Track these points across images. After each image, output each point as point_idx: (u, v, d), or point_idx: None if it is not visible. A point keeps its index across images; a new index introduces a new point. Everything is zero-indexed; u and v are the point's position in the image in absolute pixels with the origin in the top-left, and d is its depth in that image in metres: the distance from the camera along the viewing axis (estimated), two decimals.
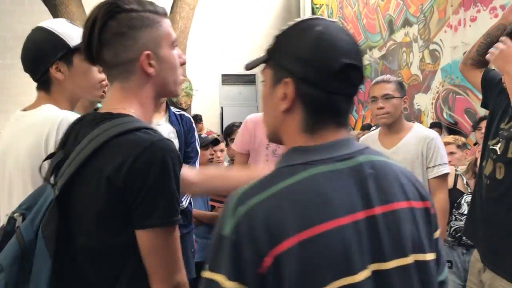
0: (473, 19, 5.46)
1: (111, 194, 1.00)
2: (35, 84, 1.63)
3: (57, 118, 1.47)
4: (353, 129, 7.94)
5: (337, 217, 0.80)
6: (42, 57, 1.54)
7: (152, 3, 1.12)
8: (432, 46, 6.21)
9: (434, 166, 2.51)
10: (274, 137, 0.92)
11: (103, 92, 1.75)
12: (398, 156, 2.54)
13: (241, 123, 3.53)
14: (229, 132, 3.85)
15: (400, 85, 2.62)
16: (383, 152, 2.64)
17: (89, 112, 1.18)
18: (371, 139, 2.75)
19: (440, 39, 6.04)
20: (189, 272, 2.24)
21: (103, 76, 1.62)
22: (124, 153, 1.00)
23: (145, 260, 1.03)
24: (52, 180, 1.10)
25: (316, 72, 0.84)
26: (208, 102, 9.38)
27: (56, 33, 1.55)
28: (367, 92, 7.75)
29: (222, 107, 9.72)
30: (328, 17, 8.89)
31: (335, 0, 8.72)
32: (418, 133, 2.58)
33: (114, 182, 0.99)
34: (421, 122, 5.76)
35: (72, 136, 1.13)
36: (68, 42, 1.54)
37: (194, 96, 6.38)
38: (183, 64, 1.19)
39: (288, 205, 0.79)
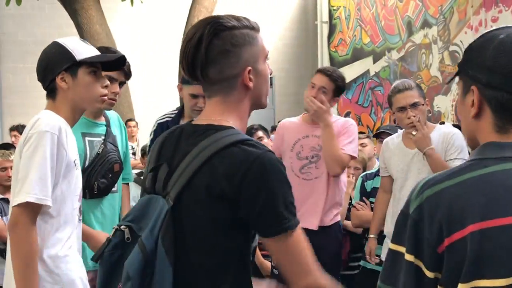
0: (495, 20, 5.38)
1: (221, 205, 1.07)
2: None
3: (34, 118, 1.66)
4: (371, 132, 7.88)
5: None
6: (51, 67, 1.72)
7: (247, 19, 1.19)
8: (452, 48, 6.13)
9: (455, 160, 2.49)
10: (472, 143, 0.95)
11: (111, 102, 2.00)
12: (421, 155, 2.53)
13: (259, 125, 3.54)
14: (248, 135, 3.83)
15: (420, 89, 2.62)
16: (407, 153, 2.65)
17: (186, 123, 1.25)
18: (393, 143, 2.74)
19: (460, 40, 5.96)
20: None
21: (104, 91, 1.80)
22: (234, 165, 1.07)
23: (281, 265, 1.12)
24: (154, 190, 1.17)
25: (499, 77, 0.87)
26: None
27: (66, 47, 1.73)
28: (385, 94, 7.68)
29: None
30: (346, 19, 8.85)
31: (352, 1, 8.67)
32: (440, 131, 2.59)
33: (225, 193, 1.06)
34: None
35: (169, 148, 1.19)
36: (75, 56, 1.71)
37: None
38: (271, 74, 1.28)
39: (474, 194, 0.82)
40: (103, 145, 2.19)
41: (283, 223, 1.07)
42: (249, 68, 1.16)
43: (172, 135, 1.22)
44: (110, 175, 2.21)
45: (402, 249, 0.86)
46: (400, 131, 2.82)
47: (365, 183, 3.23)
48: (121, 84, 2.25)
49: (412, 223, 0.85)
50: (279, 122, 2.85)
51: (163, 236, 1.06)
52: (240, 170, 1.06)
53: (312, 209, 2.72)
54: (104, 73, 1.86)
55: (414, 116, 2.51)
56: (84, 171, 2.06)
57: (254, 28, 1.19)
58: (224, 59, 1.14)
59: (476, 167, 0.86)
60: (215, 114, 1.17)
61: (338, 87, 2.64)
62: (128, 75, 2.27)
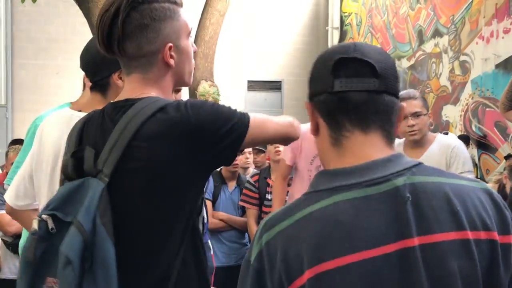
0: (507, 31, 5.38)
1: (165, 167, 1.03)
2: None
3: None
4: None
5: (360, 249, 0.72)
6: (109, 63, 1.63)
7: None
8: (462, 58, 6.12)
9: (461, 174, 2.49)
10: (324, 166, 0.88)
11: None
12: None
13: None
14: None
15: (424, 100, 2.66)
16: None
17: (103, 107, 1.18)
18: (396, 149, 2.73)
19: (471, 51, 5.96)
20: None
21: None
22: (170, 123, 1.03)
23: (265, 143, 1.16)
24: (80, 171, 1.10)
25: (318, 81, 0.84)
26: (234, 108, 9.42)
27: None
28: None
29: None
30: (357, 25, 8.87)
31: (364, 9, 8.69)
32: (441, 142, 2.61)
33: (169, 151, 1.03)
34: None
35: (90, 131, 1.14)
36: None
37: (220, 101, 6.43)
38: (195, 52, 1.22)
39: (304, 236, 0.74)
40: None
41: (240, 128, 1.09)
42: (170, 44, 1.10)
43: (92, 119, 1.16)
44: None
45: None
46: (400, 140, 2.83)
47: None
48: None
49: (254, 273, 0.77)
50: None
51: (102, 214, 1.01)
52: (178, 124, 1.03)
53: None
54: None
55: (414, 125, 2.53)
56: None
57: (176, 3, 1.13)
58: (143, 33, 1.07)
59: (309, 202, 0.78)
60: (134, 91, 1.12)
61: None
62: None
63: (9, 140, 7.53)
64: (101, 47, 1.12)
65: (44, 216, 1.05)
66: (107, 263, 0.99)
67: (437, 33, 6.69)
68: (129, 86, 1.14)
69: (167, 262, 1.06)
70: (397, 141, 2.80)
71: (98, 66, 1.68)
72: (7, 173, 3.78)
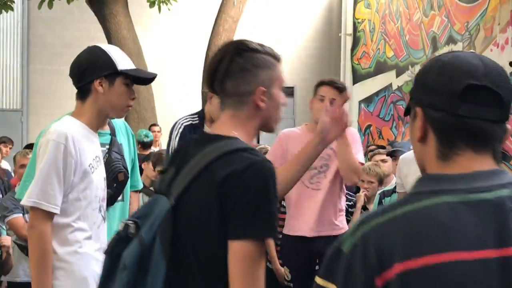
0: None
1: (219, 201, 1.15)
2: None
3: (47, 127, 1.77)
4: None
5: (456, 250, 0.75)
6: (92, 69, 1.80)
7: (271, 48, 1.32)
8: None
9: None
10: (422, 170, 0.92)
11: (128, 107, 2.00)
12: None
13: None
14: None
15: None
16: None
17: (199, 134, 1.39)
18: (412, 157, 2.72)
19: None
20: None
21: (131, 102, 1.92)
22: (229, 170, 1.15)
23: (229, 271, 1.14)
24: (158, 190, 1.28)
25: (440, 97, 0.84)
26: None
27: (110, 55, 1.83)
28: None
29: None
30: (370, 32, 8.84)
31: (377, 15, 8.67)
32: None
33: (221, 189, 1.14)
34: None
35: (181, 153, 1.31)
36: (117, 65, 1.81)
37: None
38: (284, 105, 1.36)
39: (401, 231, 0.78)
40: (107, 155, 2.19)
41: (253, 228, 1.13)
42: (263, 89, 1.25)
43: (187, 142, 1.34)
44: (115, 184, 2.22)
45: (332, 286, 0.81)
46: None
47: (383, 200, 3.25)
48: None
49: (346, 261, 0.81)
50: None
51: (162, 232, 1.14)
52: (235, 173, 1.14)
53: (324, 217, 2.75)
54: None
55: None
56: None
57: (276, 57, 1.31)
58: (242, 75, 1.25)
59: (409, 201, 0.82)
60: (224, 127, 1.27)
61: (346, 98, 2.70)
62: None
63: (24, 144, 7.63)
64: (206, 85, 1.38)
65: (129, 222, 1.21)
66: (156, 276, 1.13)
67: (451, 40, 6.65)
68: (220, 121, 1.32)
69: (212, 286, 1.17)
70: (411, 151, 2.80)
71: (82, 72, 1.81)
72: (18, 177, 3.83)
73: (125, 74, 1.82)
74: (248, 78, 1.25)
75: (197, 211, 1.17)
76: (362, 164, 2.78)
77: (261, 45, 1.30)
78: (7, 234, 3.38)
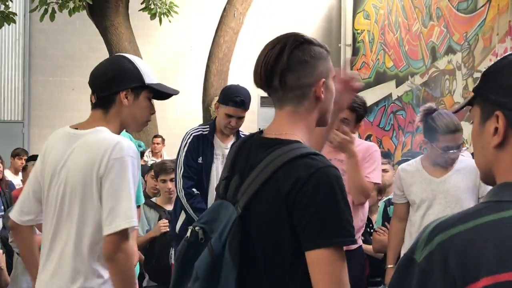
0: None
1: (285, 216, 1.13)
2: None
3: (112, 141, 1.63)
4: (393, 156, 7.83)
5: None
6: (119, 80, 1.72)
7: (319, 42, 1.29)
8: (476, 75, 6.11)
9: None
10: (487, 178, 0.87)
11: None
12: (449, 184, 2.52)
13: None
14: None
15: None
16: (432, 182, 2.59)
17: (256, 134, 1.33)
18: (413, 169, 2.71)
19: (485, 68, 5.93)
20: None
21: (150, 117, 1.85)
22: (295, 177, 1.13)
23: (313, 283, 1.12)
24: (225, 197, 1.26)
25: None
26: (247, 124, 9.48)
27: (138, 67, 1.75)
28: (407, 118, 7.66)
29: (260, 129, 9.80)
30: (370, 42, 8.90)
31: (376, 26, 8.73)
32: (467, 161, 2.59)
33: (288, 199, 1.13)
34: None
35: (241, 158, 1.28)
36: (145, 79, 1.74)
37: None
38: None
39: (489, 241, 0.74)
40: None
41: (326, 237, 1.10)
42: (323, 80, 1.25)
43: (245, 145, 1.30)
44: None
45: None
46: (416, 158, 2.80)
47: (388, 208, 3.23)
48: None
49: (421, 272, 0.76)
50: None
51: (230, 242, 1.13)
52: (300, 181, 1.12)
53: None
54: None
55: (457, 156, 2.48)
56: None
57: (327, 50, 1.30)
58: (303, 68, 1.23)
59: (491, 210, 0.77)
60: (283, 126, 1.25)
61: (360, 115, 2.63)
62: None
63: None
64: (260, 79, 1.26)
65: (196, 228, 1.22)
66: (228, 286, 1.12)
67: (450, 50, 6.69)
68: (279, 119, 1.27)
69: None
70: (415, 161, 2.78)
71: (108, 81, 1.72)
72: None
73: (150, 88, 1.76)
74: (308, 70, 1.23)
75: (266, 221, 1.16)
76: (378, 183, 2.71)
77: (314, 39, 1.28)
78: (9, 245, 3.38)
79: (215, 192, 1.41)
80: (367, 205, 2.83)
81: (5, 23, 5.71)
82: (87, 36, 8.35)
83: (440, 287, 0.74)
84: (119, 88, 1.71)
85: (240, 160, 1.27)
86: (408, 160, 3.37)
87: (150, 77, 1.76)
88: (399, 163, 3.67)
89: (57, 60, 9.12)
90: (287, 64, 1.22)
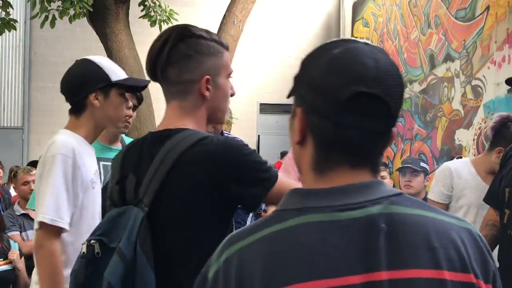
0: None
1: (207, 198, 1.10)
2: None
3: (51, 141, 1.70)
4: (392, 163, 7.85)
5: (321, 277, 0.66)
6: (86, 84, 1.75)
7: (218, 36, 1.23)
8: (474, 82, 6.13)
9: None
10: (299, 171, 0.82)
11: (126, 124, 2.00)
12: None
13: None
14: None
15: None
16: (483, 187, 2.47)
17: (142, 138, 1.26)
18: (467, 172, 2.65)
19: (483, 75, 5.96)
20: None
21: (129, 112, 1.88)
22: (203, 158, 1.10)
23: None
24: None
25: (323, 101, 0.72)
26: (246, 131, 9.50)
27: (102, 67, 1.77)
28: (406, 125, 7.68)
29: (259, 136, 9.80)
30: None
31: (375, 33, 8.77)
32: None
33: (202, 186, 1.09)
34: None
35: (131, 159, 1.21)
36: (110, 77, 1.76)
37: (233, 124, 6.48)
38: (233, 95, 1.28)
39: (261, 257, 0.68)
40: None
41: (267, 185, 1.13)
42: (208, 77, 1.19)
43: (134, 147, 1.24)
44: None
45: None
46: (465, 159, 2.76)
47: None
48: (134, 108, 2.32)
49: None
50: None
51: (142, 243, 1.07)
52: (213, 158, 1.10)
53: None
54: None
55: None
56: None
57: (222, 45, 1.22)
58: (185, 62, 1.17)
59: (274, 221, 0.72)
60: (172, 119, 1.20)
61: None
62: (140, 99, 2.35)
63: (25, 161, 7.63)
64: (147, 72, 1.23)
65: (92, 241, 1.13)
66: None
67: (448, 58, 6.71)
68: (167, 114, 1.23)
69: None
70: (465, 164, 2.69)
71: (76, 87, 1.76)
72: (19, 194, 3.83)
73: (119, 84, 1.77)
74: (191, 65, 1.17)
75: (178, 211, 1.10)
76: None
77: (208, 32, 1.21)
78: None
79: None
80: None
81: (5, 30, 5.72)
82: (87, 43, 8.37)
83: None
84: (87, 92, 1.74)
85: (131, 161, 1.20)
86: (409, 166, 3.37)
87: (117, 73, 1.78)
88: (399, 169, 3.68)
89: (57, 66, 9.12)
90: (167, 57, 1.16)
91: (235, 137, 1.17)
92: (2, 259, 3.14)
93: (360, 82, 0.71)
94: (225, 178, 1.10)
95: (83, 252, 1.14)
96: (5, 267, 3.11)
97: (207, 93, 1.19)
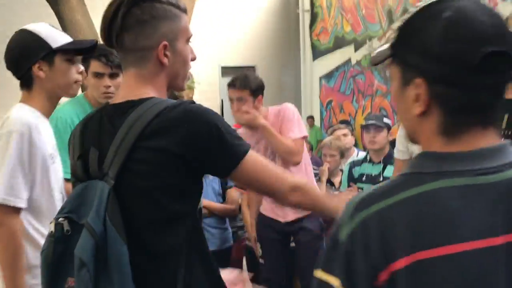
0: None
1: (174, 166, 1.07)
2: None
3: (4, 117, 1.63)
4: (354, 119, 7.98)
5: (465, 240, 0.68)
6: (26, 56, 1.66)
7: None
8: None
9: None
10: (413, 139, 0.81)
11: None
12: None
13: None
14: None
15: None
16: None
17: (104, 106, 1.21)
18: None
19: None
20: None
21: (79, 76, 1.76)
22: (169, 125, 1.07)
23: (255, 189, 1.17)
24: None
25: (452, 69, 0.71)
26: (208, 95, 9.41)
27: (40, 35, 1.67)
28: (367, 82, 7.78)
29: (222, 100, 9.74)
30: (327, 7, 8.89)
31: None
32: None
33: (168, 154, 1.06)
34: None
35: (91, 133, 1.16)
36: (51, 44, 1.67)
37: (195, 89, 6.40)
38: (193, 60, 1.23)
39: (405, 220, 0.70)
40: None
41: (238, 152, 1.10)
42: (165, 43, 1.13)
43: (92, 120, 1.18)
44: None
45: (333, 280, 0.71)
46: None
47: (353, 170, 3.32)
48: (113, 75, 2.22)
49: (344, 252, 0.71)
50: None
51: (111, 216, 1.03)
52: (178, 126, 1.06)
53: None
54: (92, 70, 2.02)
55: None
56: None
57: (180, 8, 1.17)
58: (140, 28, 1.12)
59: (411, 184, 0.72)
60: (131, 89, 1.14)
61: (252, 90, 2.65)
62: (113, 63, 2.23)
63: None
64: (102, 38, 1.16)
65: (60, 219, 1.09)
66: (121, 262, 1.02)
67: (406, 12, 6.77)
68: (126, 84, 1.17)
69: (174, 261, 1.09)
70: None
71: (16, 62, 1.68)
72: None
73: (62, 50, 1.68)
74: (147, 31, 1.12)
75: (144, 182, 1.07)
76: (304, 136, 2.74)
77: None
78: None
79: None
80: (310, 168, 2.89)
81: None
82: (36, 9, 7.98)
83: (363, 267, 0.70)
84: (29, 64, 1.66)
85: (92, 135, 1.15)
86: (373, 123, 3.44)
87: (57, 39, 1.68)
88: (363, 127, 3.74)
89: (4, 35, 8.71)
90: (122, 23, 1.11)
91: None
92: None
93: (487, 42, 0.70)
94: (189, 147, 1.07)
95: (51, 231, 1.10)
96: None
97: (165, 60, 1.14)
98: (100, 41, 2.30)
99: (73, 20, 5.35)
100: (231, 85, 2.68)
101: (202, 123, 1.08)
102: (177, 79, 1.20)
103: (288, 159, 2.67)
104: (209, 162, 1.10)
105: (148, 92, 1.14)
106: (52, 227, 1.10)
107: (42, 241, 1.61)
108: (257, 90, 2.68)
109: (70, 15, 5.33)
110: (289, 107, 2.77)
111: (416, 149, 2.72)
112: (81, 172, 1.13)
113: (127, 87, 1.17)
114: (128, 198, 1.07)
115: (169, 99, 1.14)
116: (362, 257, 0.70)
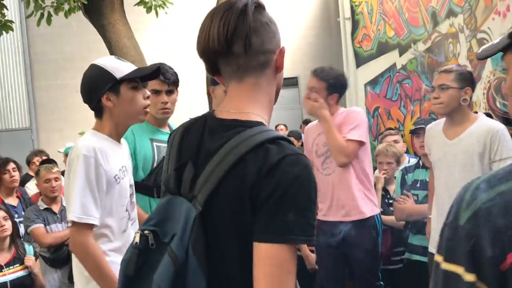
0: None
1: (251, 206, 0.99)
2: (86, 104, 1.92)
3: (74, 144, 1.84)
4: (402, 126, 7.79)
5: None
6: (95, 89, 1.84)
7: None
8: (479, 35, 6.01)
9: (500, 160, 2.41)
10: None
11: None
12: (458, 148, 2.50)
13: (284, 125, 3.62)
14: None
15: (461, 76, 2.55)
16: (445, 143, 2.56)
17: (208, 114, 1.16)
18: (436, 130, 2.71)
19: (488, 27, 5.85)
20: None
21: (147, 102, 1.90)
22: (264, 160, 0.99)
23: (253, 273, 0.99)
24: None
25: None
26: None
27: (105, 68, 1.84)
28: (414, 86, 7.59)
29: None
30: (369, 13, 8.78)
31: None
32: (482, 124, 2.51)
33: (253, 192, 0.98)
34: None
35: (191, 144, 1.11)
36: (115, 75, 1.83)
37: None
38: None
39: None
40: None
41: (284, 234, 0.96)
42: (283, 47, 1.12)
43: (193, 128, 1.13)
44: None
45: (458, 269, 0.69)
46: (443, 118, 2.78)
47: (406, 176, 3.25)
48: (170, 92, 2.36)
49: (467, 236, 0.69)
50: (303, 122, 3.08)
51: (194, 245, 0.98)
52: (266, 169, 0.98)
53: (333, 203, 2.79)
54: (150, 88, 2.15)
55: (437, 98, 2.49)
56: (152, 172, 2.31)
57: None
58: (265, 31, 1.09)
59: None
60: (243, 103, 1.09)
61: (330, 84, 2.73)
62: (170, 81, 2.39)
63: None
64: (216, 45, 1.07)
65: (146, 232, 1.06)
66: None
67: (451, 13, 6.59)
68: (238, 95, 1.11)
69: None
70: (437, 121, 2.78)
71: (88, 96, 1.87)
72: (42, 191, 3.86)
73: (127, 79, 1.84)
74: (270, 35, 1.09)
75: (231, 215, 1.00)
76: (361, 142, 2.73)
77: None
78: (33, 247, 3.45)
79: None
80: (371, 176, 2.87)
81: (3, 32, 5.70)
82: (85, 36, 8.33)
83: (487, 249, 0.67)
84: (98, 95, 1.83)
85: (190, 146, 1.10)
86: (422, 127, 3.35)
87: (120, 69, 1.83)
88: (412, 131, 3.64)
89: (58, 63, 9.13)
90: (254, 24, 1.06)
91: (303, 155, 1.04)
92: (18, 265, 3.21)
93: None
94: (259, 184, 0.98)
95: (136, 242, 1.06)
96: (22, 273, 3.20)
97: (281, 65, 1.11)
98: (145, 60, 2.52)
99: (120, 44, 5.54)
100: (313, 72, 2.82)
101: (303, 193, 0.97)
102: (280, 88, 1.17)
103: (335, 157, 2.70)
104: (258, 214, 0.99)
105: (260, 111, 1.10)
106: (137, 238, 1.07)
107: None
108: (334, 87, 2.79)
109: (116, 39, 5.51)
110: (358, 110, 2.85)
111: (432, 155, 2.67)
112: (174, 186, 1.09)
113: (239, 99, 1.10)
114: (215, 227, 1.02)
115: (272, 132, 1.06)
116: (487, 238, 0.68)
